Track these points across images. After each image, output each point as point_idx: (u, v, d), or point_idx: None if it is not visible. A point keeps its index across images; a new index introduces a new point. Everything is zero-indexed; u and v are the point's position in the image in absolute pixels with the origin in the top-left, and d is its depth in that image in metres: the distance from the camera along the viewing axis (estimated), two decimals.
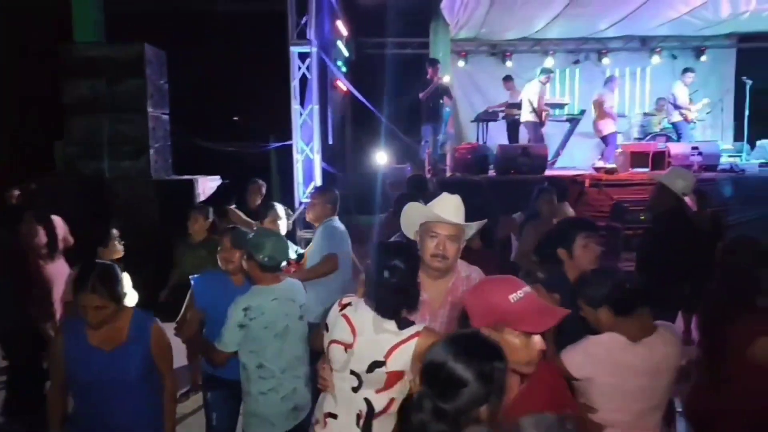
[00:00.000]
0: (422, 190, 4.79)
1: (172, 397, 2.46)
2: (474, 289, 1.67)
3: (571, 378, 1.94)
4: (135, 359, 2.24)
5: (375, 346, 1.90)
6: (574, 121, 9.68)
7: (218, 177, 6.47)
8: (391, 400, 1.92)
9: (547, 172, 8.44)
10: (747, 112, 9.16)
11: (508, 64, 10.87)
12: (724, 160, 8.68)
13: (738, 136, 9.86)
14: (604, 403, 1.70)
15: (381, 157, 8.30)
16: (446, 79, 8.29)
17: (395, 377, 1.89)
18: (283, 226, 4.12)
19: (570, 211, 5.07)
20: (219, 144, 7.76)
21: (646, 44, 10.94)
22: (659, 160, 8.18)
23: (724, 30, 10.20)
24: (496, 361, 1.30)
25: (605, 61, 10.85)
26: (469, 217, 2.23)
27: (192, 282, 2.91)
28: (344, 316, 1.98)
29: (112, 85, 6.00)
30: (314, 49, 6.63)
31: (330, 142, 7.67)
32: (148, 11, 8.74)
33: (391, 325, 1.92)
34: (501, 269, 3.93)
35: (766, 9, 8.39)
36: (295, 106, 6.91)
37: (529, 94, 8.76)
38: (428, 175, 7.81)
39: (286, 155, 7.40)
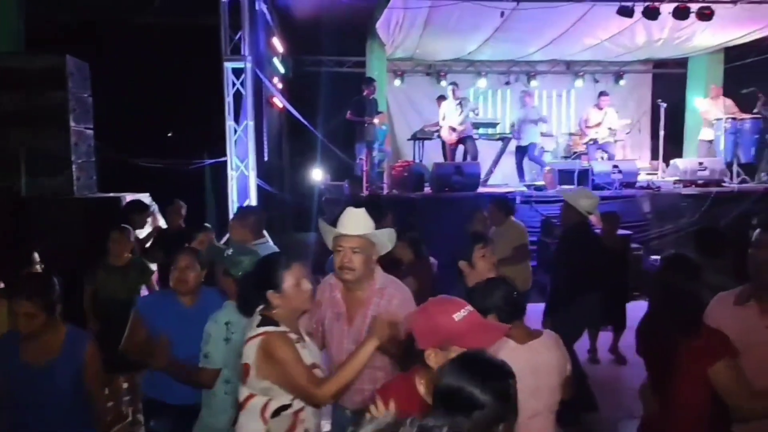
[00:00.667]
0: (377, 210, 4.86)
1: (103, 424, 2.38)
2: (420, 312, 1.75)
3: None
4: (65, 376, 2.20)
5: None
6: (505, 139, 10.06)
7: (147, 195, 6.23)
8: (248, 396, 2.08)
9: (480, 189, 8.73)
10: (662, 133, 9.86)
11: (443, 83, 11.19)
12: (642, 178, 9.27)
13: (654, 156, 10.57)
14: None
15: (317, 174, 8.29)
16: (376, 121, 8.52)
17: (245, 370, 2.06)
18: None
19: (518, 226, 5.19)
20: (149, 160, 7.50)
21: (571, 68, 11.57)
22: (584, 177, 8.63)
23: (640, 56, 10.96)
24: (510, 378, 1.37)
25: (534, 83, 11.38)
26: (401, 234, 2.35)
27: (138, 304, 2.87)
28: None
29: (31, 98, 5.69)
30: (249, 65, 6.56)
31: (266, 158, 7.57)
32: (73, 22, 8.37)
33: (255, 322, 2.09)
34: (434, 279, 4.03)
35: (677, 38, 9.08)
36: (229, 122, 6.79)
37: (443, 112, 9.14)
38: (366, 193, 7.88)
39: (221, 172, 7.25)
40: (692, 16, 7.36)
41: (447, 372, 1.38)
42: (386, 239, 2.38)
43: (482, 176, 9.23)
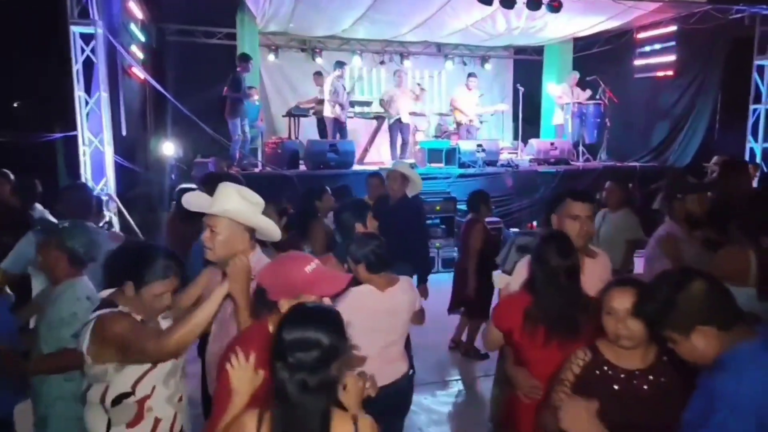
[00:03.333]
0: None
1: None
2: (270, 267, 1.87)
3: None
4: None
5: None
6: (380, 118, 10.28)
7: None
8: (87, 387, 2.04)
9: (356, 167, 8.89)
10: (521, 115, 10.66)
11: (318, 60, 11.13)
12: (504, 157, 9.99)
13: (515, 136, 11.43)
14: (361, 340, 1.95)
15: (168, 149, 7.87)
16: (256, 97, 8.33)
17: (83, 356, 1.99)
18: None
19: None
20: None
21: (441, 50, 12.06)
22: (451, 155, 9.12)
23: (502, 43, 11.70)
24: (341, 321, 1.56)
25: (407, 63, 11.70)
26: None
27: None
28: None
29: None
30: (100, 30, 6.03)
31: (123, 133, 7.05)
32: None
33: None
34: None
35: (533, 26, 9.81)
36: (79, 92, 6.22)
37: (326, 89, 9.16)
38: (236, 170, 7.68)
39: (75, 148, 6.65)
40: (544, 7, 7.99)
41: (290, 322, 1.52)
42: (250, 217, 2.21)
43: (357, 154, 9.39)
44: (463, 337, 5.15)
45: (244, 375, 1.65)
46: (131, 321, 1.99)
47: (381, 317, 2.59)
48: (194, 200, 2.25)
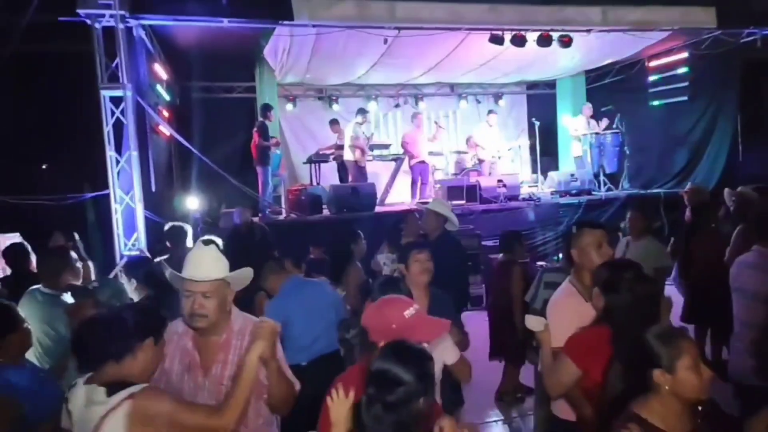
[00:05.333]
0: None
1: None
2: (373, 309, 1.99)
3: None
4: None
5: (87, 424, 1.72)
6: (398, 160, 10.43)
7: (17, 234, 5.75)
8: None
9: (378, 209, 8.97)
10: (538, 148, 10.72)
11: (335, 107, 11.39)
12: (524, 191, 10.00)
13: (534, 169, 11.45)
14: None
15: (192, 203, 8.07)
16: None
17: None
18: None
19: None
20: (19, 197, 6.91)
21: (455, 90, 12.28)
22: (472, 192, 9.16)
23: (515, 79, 11.89)
24: (428, 362, 1.64)
25: (421, 105, 11.92)
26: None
27: None
28: (65, 400, 1.80)
29: None
30: (129, 93, 6.30)
31: (153, 189, 7.24)
32: None
33: (99, 394, 1.75)
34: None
35: (544, 62, 9.96)
36: (110, 152, 6.45)
37: (348, 134, 9.39)
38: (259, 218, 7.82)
39: (105, 206, 6.84)
40: (554, 43, 8.14)
41: (378, 357, 1.65)
42: (243, 277, 2.23)
43: (379, 196, 9.49)
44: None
45: (342, 408, 1.75)
46: (167, 394, 1.90)
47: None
48: (193, 272, 2.13)
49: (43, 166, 9.75)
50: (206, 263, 2.13)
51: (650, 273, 4.35)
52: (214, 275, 2.11)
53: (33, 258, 4.33)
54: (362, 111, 9.77)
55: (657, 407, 1.73)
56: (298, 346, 3.29)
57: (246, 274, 2.25)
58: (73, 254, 3.50)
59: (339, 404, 1.74)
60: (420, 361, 1.61)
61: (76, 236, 4.98)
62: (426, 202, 9.23)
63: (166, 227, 5.33)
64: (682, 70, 10.15)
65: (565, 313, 2.49)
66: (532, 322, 2.47)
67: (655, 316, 2.13)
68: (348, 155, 9.47)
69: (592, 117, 10.31)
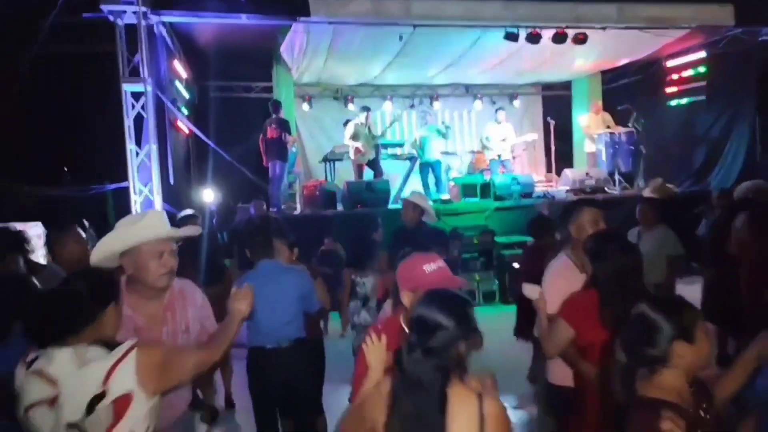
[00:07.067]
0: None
1: None
2: (403, 264, 2.16)
3: None
4: None
5: (86, 380, 1.70)
6: (413, 159, 10.48)
7: (39, 223, 5.92)
8: None
9: (392, 206, 9.03)
10: (553, 148, 10.71)
11: (351, 107, 11.49)
12: (538, 189, 9.99)
13: (548, 169, 11.41)
14: None
15: (208, 195, 8.23)
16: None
17: (123, 404, 1.71)
18: None
19: None
20: (44, 188, 7.12)
21: (470, 91, 12.31)
22: (486, 190, 9.19)
23: (530, 80, 11.90)
24: (467, 306, 1.70)
25: (436, 105, 11.98)
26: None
27: None
28: (34, 372, 1.73)
29: None
30: (149, 88, 6.46)
31: (171, 182, 7.40)
32: None
33: (96, 351, 1.75)
34: None
35: (559, 61, 9.97)
36: (130, 145, 6.62)
37: (347, 133, 9.49)
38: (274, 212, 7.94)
39: (125, 198, 7.01)
40: (569, 41, 8.15)
41: (419, 305, 1.72)
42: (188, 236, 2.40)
43: (393, 193, 9.56)
44: None
45: (377, 353, 1.90)
46: (158, 342, 2.12)
47: None
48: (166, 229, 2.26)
49: (65, 168, 10.01)
50: (166, 222, 2.24)
51: (663, 261, 4.43)
52: (182, 233, 2.29)
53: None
54: (365, 109, 9.82)
55: (670, 384, 1.63)
56: (260, 328, 3.29)
57: (192, 231, 2.43)
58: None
59: (375, 349, 1.90)
60: (460, 306, 1.67)
61: (86, 223, 5.10)
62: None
63: (180, 215, 5.46)
64: (700, 69, 10.08)
65: (561, 282, 2.62)
66: (529, 289, 2.62)
67: (638, 282, 2.28)
68: (351, 154, 9.61)
69: (605, 114, 10.28)
